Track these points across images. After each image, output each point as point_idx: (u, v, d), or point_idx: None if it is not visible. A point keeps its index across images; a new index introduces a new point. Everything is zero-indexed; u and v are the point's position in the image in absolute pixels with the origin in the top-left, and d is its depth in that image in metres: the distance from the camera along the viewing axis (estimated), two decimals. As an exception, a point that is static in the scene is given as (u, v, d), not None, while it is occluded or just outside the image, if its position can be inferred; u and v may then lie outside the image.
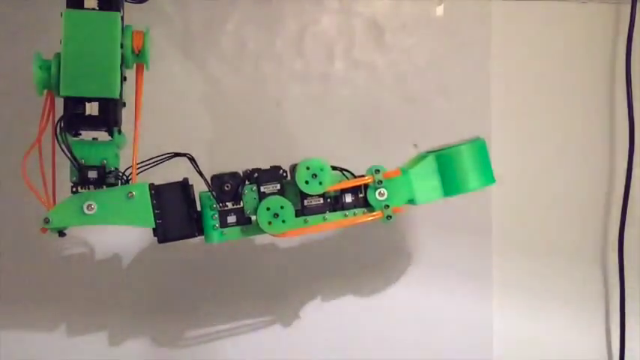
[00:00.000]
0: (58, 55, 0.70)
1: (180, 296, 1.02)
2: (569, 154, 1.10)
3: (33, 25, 0.96)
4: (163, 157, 0.77)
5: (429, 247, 1.06)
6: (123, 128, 0.77)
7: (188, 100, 1.02)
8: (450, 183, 0.81)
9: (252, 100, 1.04)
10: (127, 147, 0.78)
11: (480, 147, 0.83)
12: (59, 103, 0.72)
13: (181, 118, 1.01)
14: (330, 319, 1.05)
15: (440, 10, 1.07)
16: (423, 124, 1.07)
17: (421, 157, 0.83)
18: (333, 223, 0.80)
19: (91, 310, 1.00)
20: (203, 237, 0.79)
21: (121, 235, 0.99)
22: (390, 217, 0.80)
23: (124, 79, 0.74)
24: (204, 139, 1.01)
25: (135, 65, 0.75)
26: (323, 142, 1.05)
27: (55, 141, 0.71)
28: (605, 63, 1.11)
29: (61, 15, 0.70)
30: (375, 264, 1.05)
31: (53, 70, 0.69)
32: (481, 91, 1.08)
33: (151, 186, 0.75)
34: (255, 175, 0.78)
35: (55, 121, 0.71)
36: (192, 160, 0.76)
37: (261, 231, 0.77)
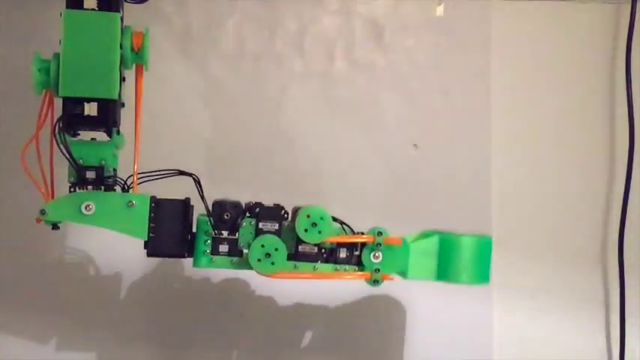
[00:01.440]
0: (57, 55, 0.70)
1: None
2: (569, 154, 1.10)
3: (33, 25, 0.97)
4: (168, 172, 0.77)
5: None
6: (121, 128, 0.77)
7: (188, 100, 1.02)
8: (445, 269, 0.81)
9: (252, 100, 1.04)
10: (126, 147, 0.78)
11: (484, 244, 0.82)
12: (58, 103, 0.72)
13: (181, 118, 1.01)
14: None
15: (440, 10, 1.07)
16: (423, 124, 1.07)
17: (426, 235, 0.82)
18: (322, 274, 0.79)
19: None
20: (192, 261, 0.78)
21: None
22: (377, 281, 0.79)
23: (122, 79, 0.74)
24: (204, 139, 1.02)
25: (134, 66, 0.75)
26: (323, 142, 1.05)
27: (54, 139, 0.71)
28: (605, 63, 1.11)
29: (61, 15, 0.70)
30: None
31: (52, 70, 0.69)
32: (481, 91, 1.08)
33: (152, 199, 0.75)
34: (257, 210, 0.78)
35: (54, 120, 0.71)
36: (197, 182, 0.76)
37: (248, 266, 0.76)
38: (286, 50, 1.05)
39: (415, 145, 1.06)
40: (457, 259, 0.80)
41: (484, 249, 0.82)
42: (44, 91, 0.72)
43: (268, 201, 0.98)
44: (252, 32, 1.04)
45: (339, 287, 0.82)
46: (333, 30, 1.06)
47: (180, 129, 1.01)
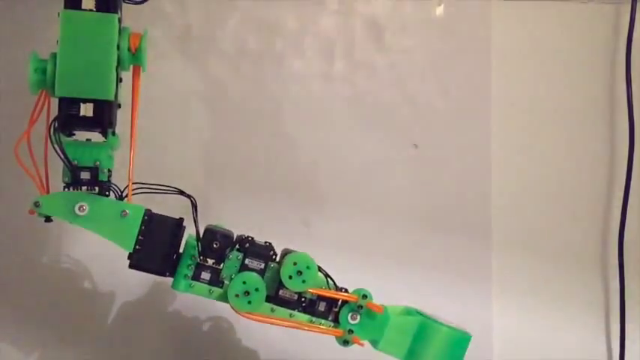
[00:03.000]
0: (54, 55, 0.70)
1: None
2: (569, 154, 1.10)
3: (31, 25, 0.97)
4: (167, 189, 0.77)
5: (428, 247, 1.06)
6: (118, 129, 0.77)
7: (188, 100, 1.02)
8: (414, 352, 0.79)
9: (252, 100, 1.04)
10: (123, 149, 0.78)
11: (462, 340, 0.80)
12: (54, 102, 0.71)
13: (181, 118, 1.01)
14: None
15: (440, 11, 1.08)
16: (423, 124, 1.07)
17: (409, 312, 0.82)
18: (296, 323, 0.78)
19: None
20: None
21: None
22: (347, 342, 0.78)
23: (119, 80, 0.74)
24: (203, 139, 1.02)
25: (132, 67, 0.75)
26: (323, 142, 1.05)
27: (48, 139, 0.71)
28: (605, 63, 1.11)
29: (58, 15, 0.70)
30: (374, 263, 1.05)
31: (49, 70, 0.69)
32: (481, 91, 1.08)
33: (147, 212, 0.75)
34: (247, 245, 0.76)
35: (50, 115, 0.71)
36: (194, 206, 0.75)
37: (225, 299, 0.75)
38: (286, 50, 1.05)
39: (415, 145, 1.06)
40: (430, 347, 0.79)
41: (460, 345, 0.80)
42: (41, 90, 0.72)
43: (268, 201, 0.99)
44: (252, 32, 1.04)
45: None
46: (333, 30, 1.06)
47: (179, 129, 1.01)
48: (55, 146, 0.71)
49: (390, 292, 1.05)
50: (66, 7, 0.70)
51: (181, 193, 0.77)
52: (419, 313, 0.81)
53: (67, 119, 0.70)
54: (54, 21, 0.70)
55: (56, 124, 0.70)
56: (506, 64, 1.08)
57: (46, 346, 0.99)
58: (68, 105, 0.70)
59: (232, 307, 0.76)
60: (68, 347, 0.99)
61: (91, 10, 0.71)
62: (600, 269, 1.10)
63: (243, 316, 0.76)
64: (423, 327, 0.79)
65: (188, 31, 1.02)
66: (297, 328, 0.78)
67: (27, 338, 0.99)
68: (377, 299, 0.78)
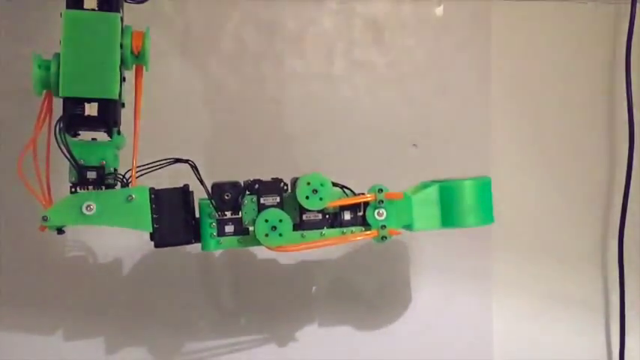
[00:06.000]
0: (57, 56, 0.70)
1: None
2: (569, 154, 1.10)
3: (33, 25, 0.96)
4: (164, 162, 0.77)
5: (428, 247, 1.06)
6: (122, 129, 0.77)
7: (188, 100, 1.02)
8: (449, 215, 0.81)
9: (252, 100, 1.03)
10: (126, 147, 0.78)
11: (484, 185, 0.83)
12: (57, 104, 0.71)
13: (181, 118, 1.01)
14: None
15: (440, 11, 1.08)
16: (423, 124, 1.07)
17: (425, 186, 0.83)
18: (330, 240, 0.79)
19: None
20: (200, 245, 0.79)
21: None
22: (385, 237, 0.80)
23: (123, 79, 0.73)
24: (204, 139, 1.01)
25: (134, 66, 0.74)
26: (323, 142, 1.05)
27: (52, 141, 0.71)
28: (605, 63, 1.11)
29: (61, 15, 0.70)
30: (374, 264, 1.05)
31: (53, 70, 0.69)
32: (481, 91, 1.08)
33: (151, 190, 0.75)
34: (256, 186, 0.78)
35: (52, 122, 0.71)
36: (193, 167, 0.76)
37: (257, 242, 0.77)
38: (286, 50, 1.04)
39: (415, 144, 1.06)
40: (460, 203, 0.81)
41: (484, 190, 0.83)
42: (44, 92, 0.71)
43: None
44: (252, 32, 1.04)
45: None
46: (333, 30, 1.05)
47: (179, 129, 1.01)
48: (62, 146, 0.71)
49: (390, 291, 1.06)
50: (68, 7, 0.70)
51: (177, 160, 0.77)
52: (435, 181, 0.83)
53: (72, 119, 0.70)
54: (57, 21, 0.70)
55: (61, 125, 0.70)
56: (506, 64, 1.09)
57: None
58: (73, 105, 0.69)
59: (266, 247, 0.77)
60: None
61: (93, 10, 0.70)
62: (600, 269, 1.11)
63: (280, 250, 0.77)
64: (444, 190, 0.82)
65: (188, 31, 1.02)
66: (333, 244, 0.80)
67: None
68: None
